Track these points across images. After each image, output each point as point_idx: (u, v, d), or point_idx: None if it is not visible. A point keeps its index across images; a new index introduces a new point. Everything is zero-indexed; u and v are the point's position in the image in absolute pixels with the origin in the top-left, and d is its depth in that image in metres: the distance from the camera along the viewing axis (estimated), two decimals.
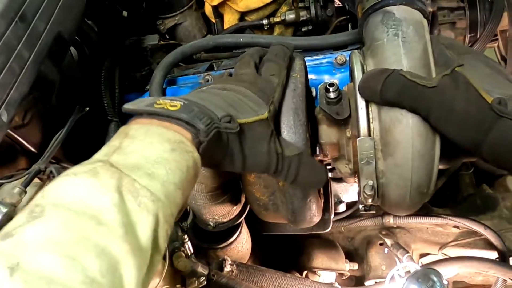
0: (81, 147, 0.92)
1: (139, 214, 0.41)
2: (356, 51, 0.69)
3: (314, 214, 0.69)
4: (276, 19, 1.35)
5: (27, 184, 0.60)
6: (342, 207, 1.04)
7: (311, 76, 0.99)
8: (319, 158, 0.77)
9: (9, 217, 0.54)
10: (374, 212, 0.69)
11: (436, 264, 1.11)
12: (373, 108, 0.60)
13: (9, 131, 0.73)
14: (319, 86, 0.70)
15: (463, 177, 1.58)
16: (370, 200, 0.64)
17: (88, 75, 1.08)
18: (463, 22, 1.25)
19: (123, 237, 0.38)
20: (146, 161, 0.44)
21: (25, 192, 0.59)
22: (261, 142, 0.55)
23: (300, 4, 1.32)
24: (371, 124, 0.60)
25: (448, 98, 0.52)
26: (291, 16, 1.32)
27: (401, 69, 0.56)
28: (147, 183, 0.43)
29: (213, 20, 1.46)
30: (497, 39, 1.43)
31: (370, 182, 0.61)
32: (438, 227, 1.22)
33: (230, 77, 0.64)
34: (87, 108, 0.84)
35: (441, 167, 0.74)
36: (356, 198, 1.12)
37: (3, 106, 0.61)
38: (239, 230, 0.97)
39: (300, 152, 0.58)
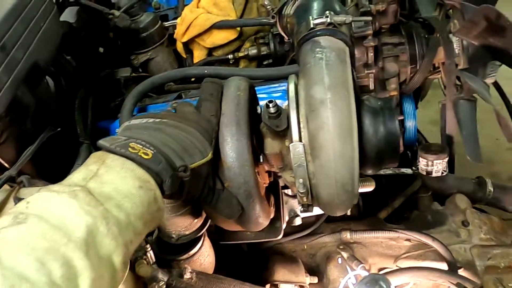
0: (52, 166, 1.00)
1: (106, 238, 0.50)
2: (293, 74, 0.81)
3: (258, 215, 0.77)
4: (240, 54, 1.49)
5: None
6: (298, 221, 1.12)
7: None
8: (266, 168, 0.87)
9: None
10: (311, 210, 0.78)
11: (388, 274, 1.19)
12: (303, 118, 0.71)
13: None
14: (263, 105, 0.81)
15: (422, 199, 1.69)
16: (305, 199, 0.73)
17: (64, 103, 1.17)
18: (405, 56, 1.40)
19: (86, 254, 0.47)
20: (117, 194, 0.54)
21: None
22: (202, 179, 0.69)
23: (261, 41, 1.46)
24: (302, 132, 0.71)
25: None
26: (253, 51, 1.46)
27: None
28: (116, 214, 0.52)
29: (184, 56, 1.59)
30: (439, 71, 1.60)
31: (301, 180, 0.70)
32: (392, 240, 1.31)
33: (178, 114, 0.74)
34: (59, 129, 0.93)
35: (370, 173, 0.85)
36: (313, 213, 1.20)
37: None
38: (200, 242, 1.03)
39: (220, 188, 0.73)
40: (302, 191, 0.71)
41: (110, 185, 0.54)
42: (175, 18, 1.55)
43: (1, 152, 0.86)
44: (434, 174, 1.41)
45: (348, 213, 1.29)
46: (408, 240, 1.31)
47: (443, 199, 1.57)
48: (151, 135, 0.64)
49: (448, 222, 1.39)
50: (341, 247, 1.30)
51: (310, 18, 0.79)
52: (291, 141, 0.71)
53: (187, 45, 1.55)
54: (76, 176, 0.55)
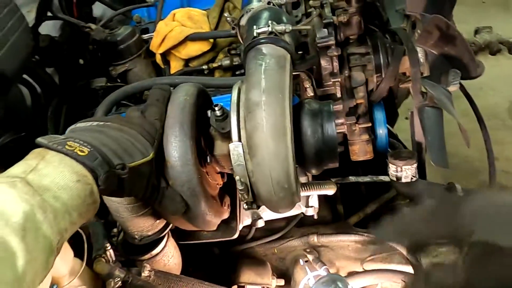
0: None
1: (42, 224, 0.55)
2: (239, 81, 0.86)
3: (205, 212, 0.81)
4: (215, 65, 1.55)
5: None
6: (260, 223, 1.16)
7: None
8: (218, 169, 0.91)
9: None
10: (255, 208, 0.82)
11: (353, 276, 1.22)
12: (241, 119, 0.76)
13: None
14: None
15: (400, 206, 1.72)
16: (245, 196, 0.77)
17: (39, 111, 1.23)
18: (371, 65, 1.46)
19: (22, 238, 0.52)
20: (55, 186, 0.58)
21: None
22: (144, 178, 0.72)
23: (233, 52, 1.52)
24: (241, 132, 0.76)
25: None
26: (226, 62, 1.52)
27: None
28: (53, 203, 0.56)
29: (162, 66, 1.66)
30: (409, 80, 1.65)
31: (238, 178, 0.75)
32: (358, 244, 1.34)
33: (124, 118, 0.80)
34: (23, 133, 0.98)
35: (314, 172, 0.90)
36: (276, 216, 1.24)
37: None
38: (163, 243, 1.07)
39: (164, 186, 0.77)
40: (241, 188, 0.75)
41: (48, 178, 0.58)
42: None
43: None
44: (403, 180, 1.44)
45: (315, 216, 1.34)
46: (374, 243, 1.33)
47: None
48: (91, 136, 0.68)
49: None
50: (307, 250, 1.33)
51: (254, 27, 0.84)
52: (231, 141, 0.76)
53: (165, 57, 1.61)
54: (16, 169, 0.60)
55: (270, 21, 0.84)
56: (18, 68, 1.01)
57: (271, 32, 0.83)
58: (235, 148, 0.75)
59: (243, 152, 0.75)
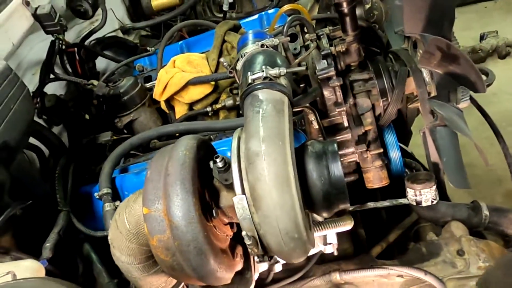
0: (32, 235, 1.04)
1: None
2: (239, 128, 0.84)
3: (215, 269, 0.78)
4: (218, 106, 1.54)
5: None
6: (278, 267, 1.11)
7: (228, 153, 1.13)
8: (226, 221, 0.88)
9: None
10: (267, 260, 0.78)
11: None
12: (243, 170, 0.73)
13: None
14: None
15: (424, 228, 1.65)
16: (255, 250, 0.74)
17: (46, 172, 1.24)
18: (375, 90, 1.43)
19: None
20: None
21: None
22: None
23: (235, 91, 1.52)
24: (244, 184, 0.73)
25: None
26: (229, 102, 1.52)
27: None
28: None
29: (168, 112, 1.66)
30: (417, 99, 1.61)
31: (244, 233, 0.71)
32: (383, 278, 1.27)
33: None
34: (30, 202, 0.98)
35: (326, 215, 0.86)
36: None
37: None
38: None
39: None
40: (249, 243, 0.72)
41: None
42: None
43: None
44: (424, 204, 1.38)
45: (335, 252, 1.28)
46: (401, 276, 1.26)
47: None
48: None
49: (443, 252, 1.34)
50: None
51: (249, 74, 0.83)
52: (234, 194, 0.73)
53: (169, 102, 1.62)
54: None
55: (264, 66, 0.82)
56: (21, 136, 1.01)
57: (265, 77, 0.81)
58: (239, 202, 0.72)
59: (248, 204, 0.72)
